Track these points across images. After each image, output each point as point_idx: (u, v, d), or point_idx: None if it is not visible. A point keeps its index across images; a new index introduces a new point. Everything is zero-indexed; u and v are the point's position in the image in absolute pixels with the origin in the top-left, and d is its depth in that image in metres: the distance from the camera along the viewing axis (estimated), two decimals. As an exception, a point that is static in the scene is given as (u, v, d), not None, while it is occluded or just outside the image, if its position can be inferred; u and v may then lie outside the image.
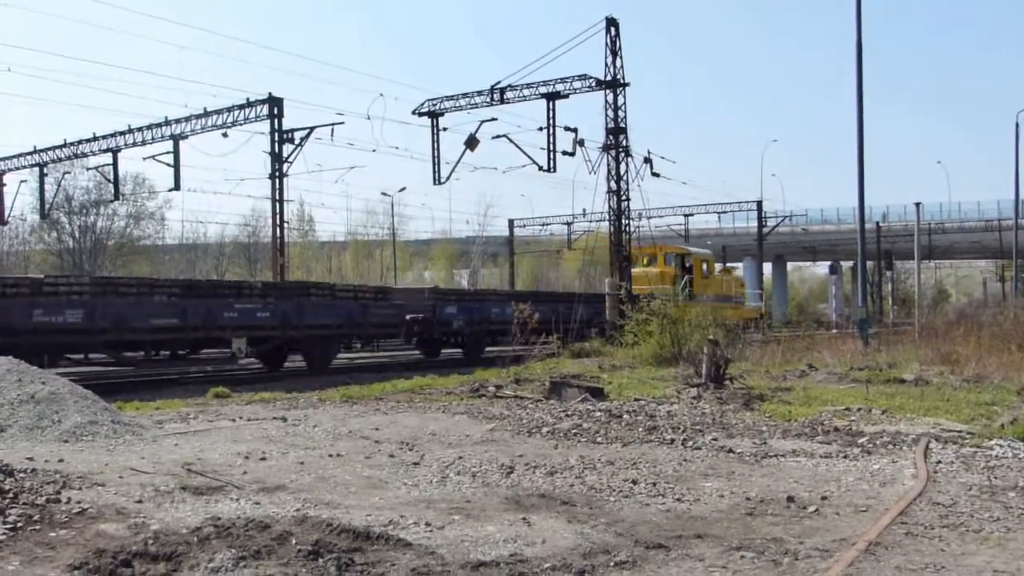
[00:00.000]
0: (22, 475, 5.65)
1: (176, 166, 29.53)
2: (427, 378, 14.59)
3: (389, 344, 25.40)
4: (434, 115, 28.70)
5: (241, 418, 9.38)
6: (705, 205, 52.10)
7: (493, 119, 27.65)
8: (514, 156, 34.53)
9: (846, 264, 72.65)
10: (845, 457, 7.07)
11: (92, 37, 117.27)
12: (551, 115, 26.82)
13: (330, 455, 7.02)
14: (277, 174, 28.06)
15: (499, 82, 27.61)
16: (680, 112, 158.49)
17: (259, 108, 27.84)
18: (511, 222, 57.30)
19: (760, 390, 11.52)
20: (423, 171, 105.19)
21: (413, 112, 28.78)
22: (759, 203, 52.70)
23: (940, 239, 61.07)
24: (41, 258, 52.92)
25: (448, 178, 29.49)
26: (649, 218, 35.84)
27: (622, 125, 27.37)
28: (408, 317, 21.73)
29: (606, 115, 27.38)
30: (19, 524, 4.57)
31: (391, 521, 4.85)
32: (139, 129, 30.33)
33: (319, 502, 5.32)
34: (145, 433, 7.90)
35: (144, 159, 31.62)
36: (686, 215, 51.61)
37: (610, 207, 28.11)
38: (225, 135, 28.47)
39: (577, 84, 26.90)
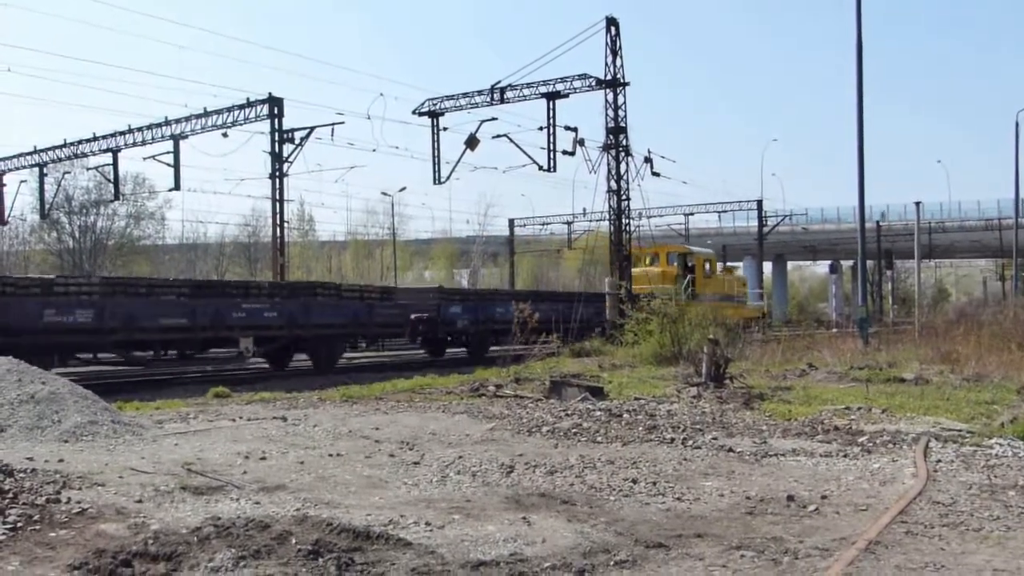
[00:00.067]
0: (22, 475, 5.65)
1: (176, 166, 29.60)
2: (427, 378, 14.59)
3: (394, 344, 25.44)
4: (434, 115, 28.72)
5: (241, 418, 9.38)
6: (705, 204, 52.24)
7: (493, 119, 27.71)
8: (514, 156, 34.55)
9: (846, 263, 72.58)
10: (845, 456, 7.07)
11: (92, 37, 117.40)
12: (551, 115, 26.85)
13: (330, 455, 7.03)
14: (277, 174, 28.09)
15: (499, 82, 27.69)
16: (680, 112, 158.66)
17: (259, 108, 27.88)
18: (511, 222, 57.36)
19: (760, 389, 11.51)
20: (423, 171, 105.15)
21: (413, 112, 28.85)
22: (759, 202, 52.68)
23: (940, 238, 61.00)
24: (41, 258, 52.87)
25: (448, 178, 29.59)
26: (649, 217, 35.95)
27: (622, 125, 27.39)
28: (413, 317, 21.76)
29: (606, 115, 27.40)
30: (19, 524, 4.56)
31: (391, 521, 4.85)
32: (139, 129, 30.39)
33: (319, 502, 5.33)
34: (145, 433, 7.90)
35: (144, 159, 31.79)
36: (686, 214, 51.71)
37: (610, 207, 28.13)
38: (225, 135, 28.54)
39: (577, 84, 26.91)
